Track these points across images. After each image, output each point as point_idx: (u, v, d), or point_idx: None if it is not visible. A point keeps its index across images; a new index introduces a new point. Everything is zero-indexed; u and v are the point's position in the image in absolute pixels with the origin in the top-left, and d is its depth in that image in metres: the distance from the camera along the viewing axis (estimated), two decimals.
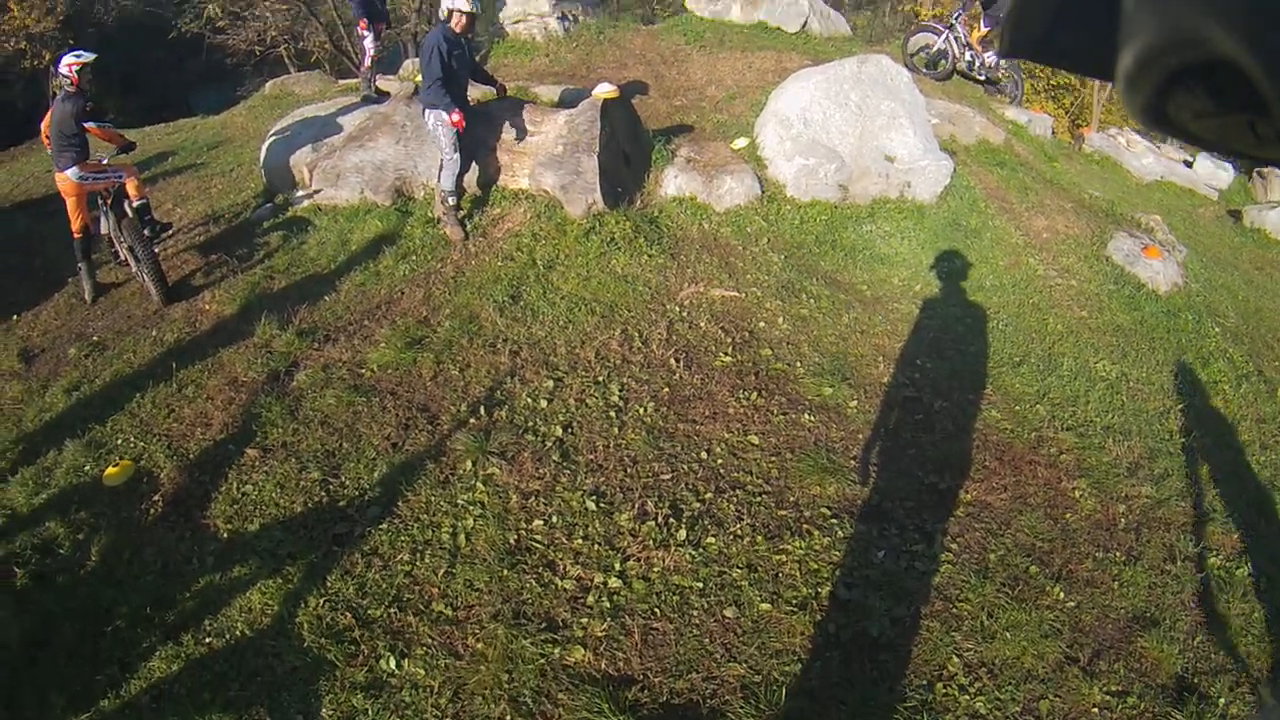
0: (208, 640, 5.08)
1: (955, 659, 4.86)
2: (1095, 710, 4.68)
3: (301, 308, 8.54)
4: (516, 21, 15.35)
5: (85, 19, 31.16)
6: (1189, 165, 19.23)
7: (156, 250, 9.51)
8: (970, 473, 6.46)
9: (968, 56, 15.66)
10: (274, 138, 11.73)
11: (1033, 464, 6.72)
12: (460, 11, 8.99)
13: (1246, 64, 0.46)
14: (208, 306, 8.91)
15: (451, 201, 9.46)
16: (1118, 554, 5.92)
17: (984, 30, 15.54)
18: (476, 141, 9.79)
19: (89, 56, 9.05)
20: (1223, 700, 4.92)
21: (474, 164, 9.88)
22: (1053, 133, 17.19)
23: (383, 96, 12.07)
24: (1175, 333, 9.69)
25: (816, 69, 11.59)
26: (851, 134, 10.90)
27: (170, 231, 10.62)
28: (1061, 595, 5.39)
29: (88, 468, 6.62)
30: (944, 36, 15.52)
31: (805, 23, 16.33)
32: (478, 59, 14.59)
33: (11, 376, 8.31)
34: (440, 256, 9.08)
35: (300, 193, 10.98)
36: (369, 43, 12.77)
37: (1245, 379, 9.13)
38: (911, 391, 7.39)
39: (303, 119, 12.02)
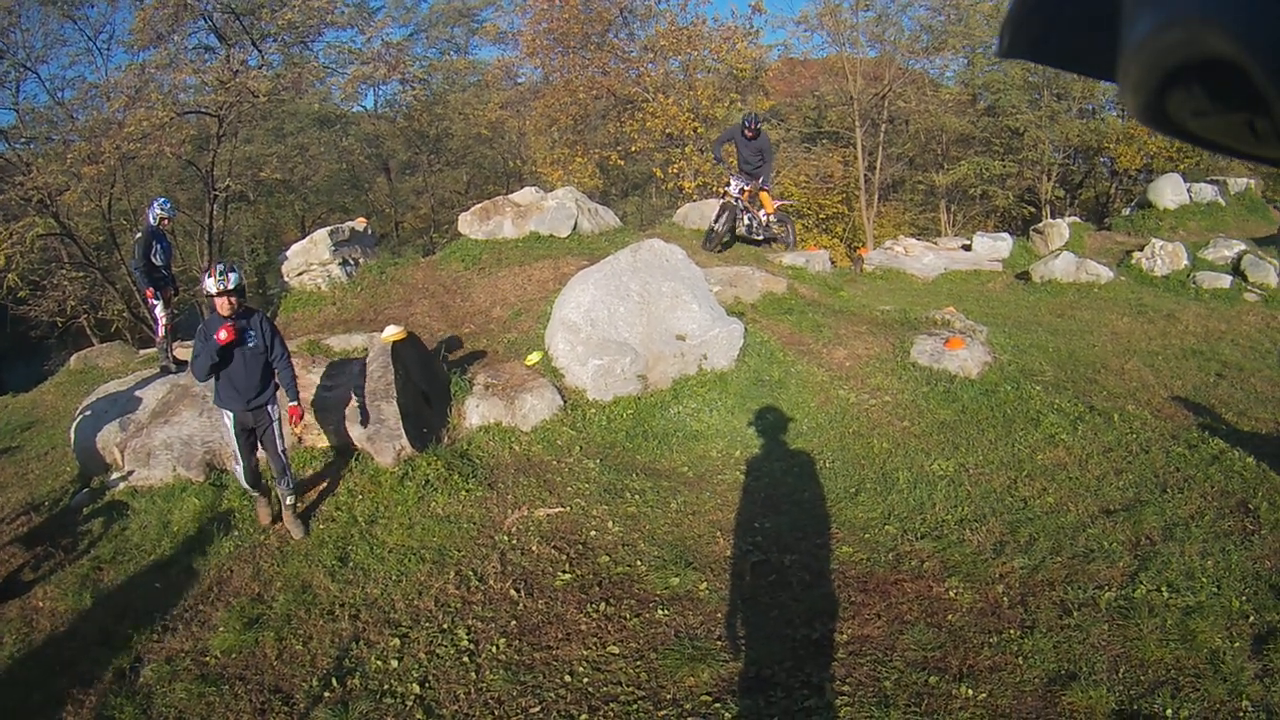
0: None
1: None
2: None
3: (134, 599, 8.10)
4: (300, 273, 15.28)
5: None
6: (968, 249, 20.17)
7: None
8: (839, 613, 6.40)
9: (746, 220, 16.23)
10: (81, 417, 11.52)
11: (899, 582, 6.74)
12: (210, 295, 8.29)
13: (1245, 62, 0.46)
14: (41, 604, 8.39)
15: (254, 493, 9.00)
16: (1012, 631, 5.95)
17: (748, 189, 16.14)
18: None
19: None
20: (1169, 711, 5.04)
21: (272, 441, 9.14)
22: (832, 263, 17.86)
23: (181, 366, 11.95)
24: (999, 408, 10.00)
25: (593, 268, 11.87)
26: (639, 323, 11.08)
27: None
28: (970, 692, 5.34)
29: None
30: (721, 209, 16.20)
31: (575, 224, 16.67)
32: (269, 315, 14.69)
33: None
34: (260, 528, 8.81)
35: (115, 475, 10.66)
36: (159, 312, 12.73)
37: (1080, 420, 9.51)
38: (758, 555, 7.32)
39: (107, 395, 11.90)
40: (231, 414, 8.44)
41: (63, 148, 23.20)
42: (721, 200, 16.38)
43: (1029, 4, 0.67)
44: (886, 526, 7.65)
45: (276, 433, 8.62)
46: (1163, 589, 6.19)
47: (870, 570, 6.96)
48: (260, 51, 24.86)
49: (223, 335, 7.88)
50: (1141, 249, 18.44)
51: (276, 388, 8.63)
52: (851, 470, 8.78)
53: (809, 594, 6.68)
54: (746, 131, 16.23)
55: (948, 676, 5.52)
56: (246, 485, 8.80)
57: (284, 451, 8.69)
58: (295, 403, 8.53)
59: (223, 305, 7.99)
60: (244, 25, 24.18)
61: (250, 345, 8.25)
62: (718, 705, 5.53)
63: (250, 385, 8.39)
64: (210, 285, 7.96)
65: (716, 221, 16.23)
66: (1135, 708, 5.06)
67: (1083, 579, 6.49)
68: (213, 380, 8.46)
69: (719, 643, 6.23)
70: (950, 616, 6.21)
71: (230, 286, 7.97)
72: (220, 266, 8.04)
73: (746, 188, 16.08)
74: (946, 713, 5.17)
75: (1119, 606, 6.07)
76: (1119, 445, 8.88)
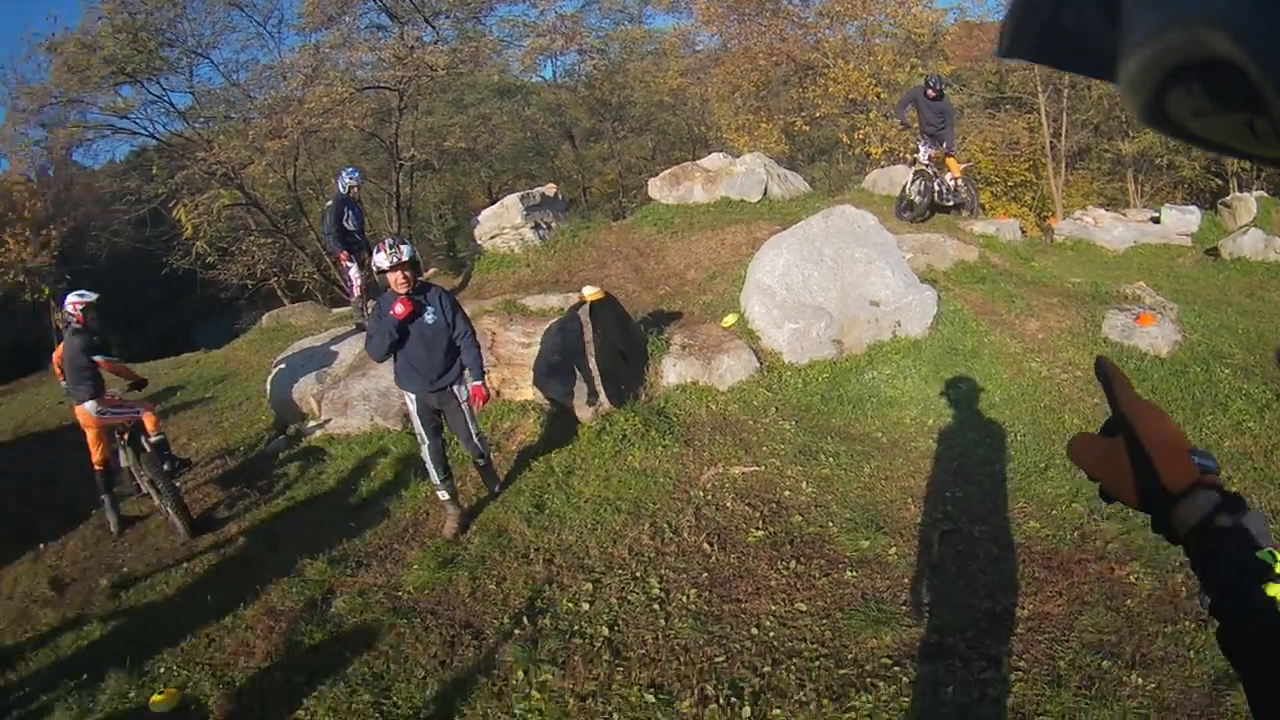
0: None
1: None
2: None
3: (330, 535, 8.60)
4: (493, 236, 15.64)
5: (78, 254, 32.09)
6: (1156, 221, 19.44)
7: (178, 485, 9.72)
8: (1022, 588, 6.36)
9: (935, 185, 15.95)
10: (277, 370, 12.11)
11: (1082, 562, 6.61)
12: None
13: (1244, 63, 0.47)
14: (234, 539, 8.99)
15: (443, 495, 8.38)
16: (1187, 624, 5.78)
17: (935, 153, 15.89)
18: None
19: (91, 297, 9.49)
20: None
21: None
22: (1022, 232, 17.37)
23: None
24: (1188, 389, 9.76)
25: (786, 233, 11.91)
26: (833, 288, 11.11)
27: (191, 468, 10.82)
28: (1140, 681, 5.23)
29: (132, 694, 6.58)
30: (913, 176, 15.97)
31: (765, 189, 16.68)
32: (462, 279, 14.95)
33: (45, 604, 8.42)
34: (459, 475, 8.93)
35: (311, 423, 11.26)
36: (354, 273, 13.29)
37: (1267, 408, 9.13)
38: (947, 524, 7.33)
39: (303, 350, 12.49)
40: (414, 395, 8.15)
41: (243, 125, 23.94)
42: (913, 169, 16.09)
43: (1029, 4, 0.68)
44: (1074, 504, 7.45)
45: (466, 415, 8.27)
46: None
47: (1055, 548, 6.85)
48: (434, 28, 25.07)
49: (399, 309, 7.54)
50: None
51: (463, 368, 8.20)
52: (1042, 445, 8.65)
53: (994, 566, 6.64)
54: (929, 92, 16.02)
55: (1121, 662, 5.43)
56: (433, 470, 8.25)
57: (478, 435, 8.40)
58: (480, 382, 8.15)
59: (396, 280, 7.58)
60: (415, 3, 24.41)
61: (430, 322, 7.86)
62: (897, 669, 5.56)
63: (433, 365, 7.99)
64: (381, 259, 7.59)
65: (913, 191, 16.00)
66: None
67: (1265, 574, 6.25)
68: (392, 361, 8.11)
69: (903, 607, 6.26)
70: (1129, 602, 6.08)
71: (404, 259, 7.55)
72: (390, 240, 7.67)
73: (933, 152, 15.81)
74: (1116, 699, 5.08)
75: None
76: None
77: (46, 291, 28.94)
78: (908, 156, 20.50)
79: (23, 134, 24.33)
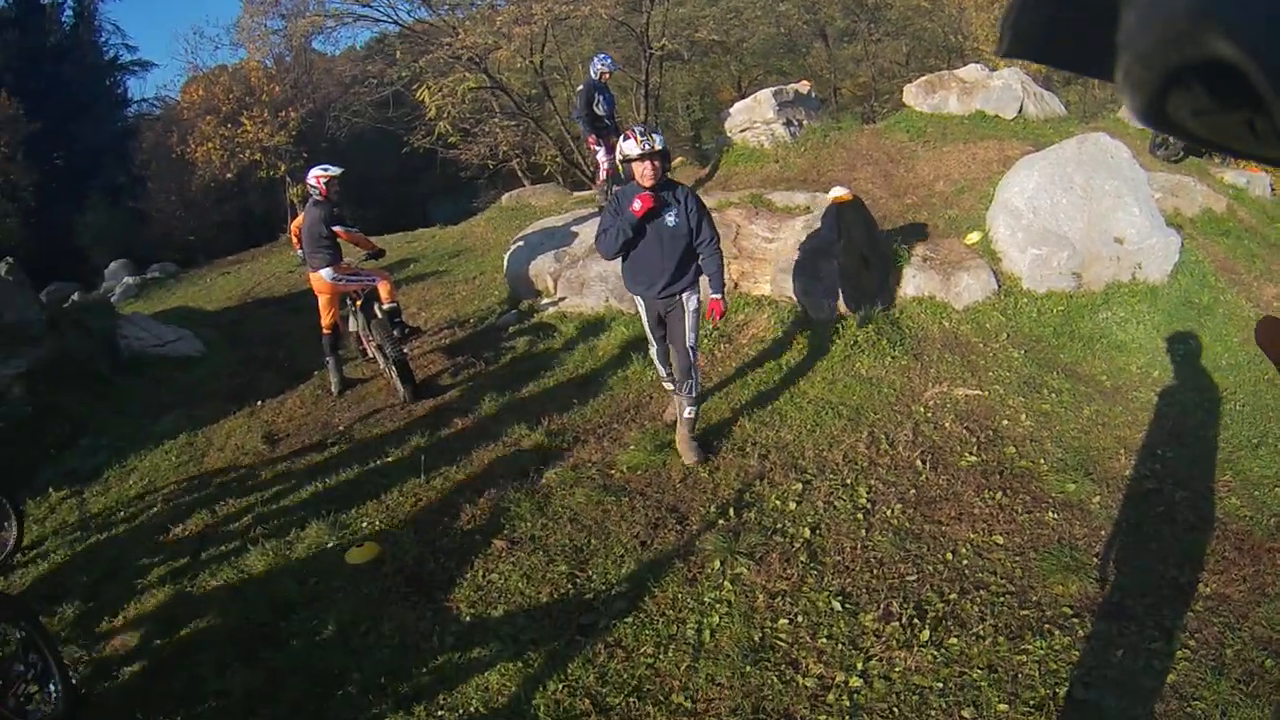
0: (440, 714, 5.21)
1: None
2: None
3: (550, 410, 8.90)
4: (743, 129, 15.77)
5: (317, 134, 33.17)
6: None
7: (406, 351, 10.17)
8: (1209, 565, 6.22)
9: None
10: (515, 247, 12.51)
11: (1272, 552, 6.39)
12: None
13: (1243, 63, 0.48)
14: (455, 404, 9.48)
15: (668, 385, 8.28)
16: None
17: None
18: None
19: (336, 170, 9.90)
20: None
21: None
22: (1272, 190, 16.51)
23: None
24: None
25: (1038, 155, 11.77)
26: (1079, 219, 11.00)
27: (421, 336, 11.37)
28: None
29: (330, 545, 7.01)
30: None
31: (1021, 107, 16.45)
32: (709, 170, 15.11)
33: (256, 457, 9.07)
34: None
35: (545, 300, 11.63)
36: (602, 157, 13.65)
37: None
38: (1153, 483, 7.23)
39: (543, 229, 12.79)
40: (642, 300, 7.65)
41: (490, 10, 23.94)
42: None
43: (1029, 4, 0.69)
44: (1278, 489, 7.20)
45: (689, 325, 7.57)
46: None
47: (1249, 530, 6.62)
48: None
49: (637, 205, 7.01)
50: None
51: (699, 273, 7.63)
52: (1259, 419, 8.42)
53: (1189, 536, 6.52)
54: None
55: None
56: (661, 367, 8.09)
57: (693, 348, 7.66)
58: (719, 295, 7.49)
59: (645, 171, 7.02)
60: None
61: (671, 224, 7.27)
62: (1075, 620, 5.58)
63: (664, 269, 7.40)
64: (631, 147, 7.01)
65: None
66: None
67: None
68: (620, 261, 7.59)
69: (1095, 560, 6.24)
70: None
71: (656, 147, 6.99)
72: (641, 127, 7.14)
73: None
74: (1269, 702, 4.91)
75: None
76: None
77: (283, 169, 30.31)
78: None
79: (260, 24, 25.08)
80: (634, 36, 24.67)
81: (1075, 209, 11.07)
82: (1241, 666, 5.22)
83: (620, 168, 7.27)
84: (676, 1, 26.98)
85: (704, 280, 7.64)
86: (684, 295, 7.55)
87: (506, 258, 12.66)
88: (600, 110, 13.86)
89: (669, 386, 8.22)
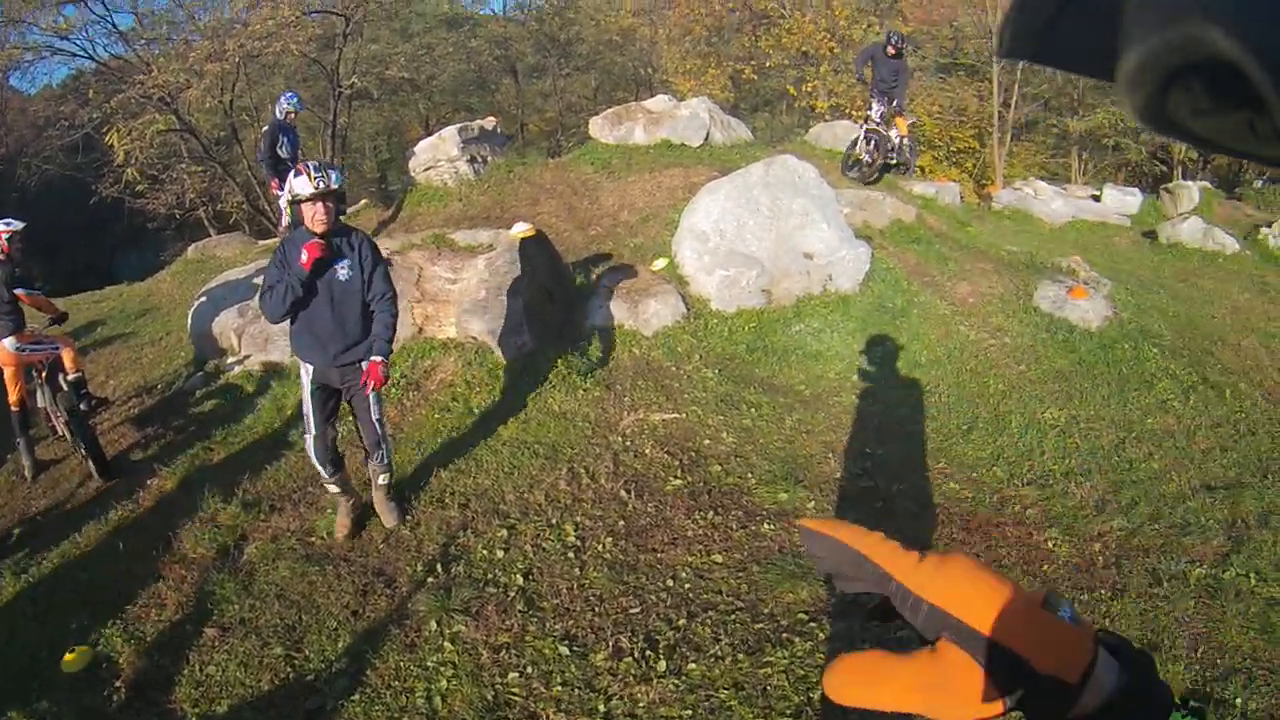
0: None
1: None
2: None
3: (244, 478, 8.35)
4: (427, 168, 15.45)
5: (7, 183, 31.62)
6: (1097, 199, 19.95)
7: (93, 425, 9.44)
8: (940, 548, 6.17)
9: (886, 146, 15.63)
10: (198, 303, 11.85)
11: (1000, 525, 6.74)
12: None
13: (1244, 63, 0.45)
14: (149, 482, 8.72)
15: (333, 488, 7.06)
16: (1103, 591, 5.94)
17: (885, 110, 15.56)
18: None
19: (18, 225, 8.99)
20: (1239, 700, 4.98)
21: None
22: (961, 198, 17.55)
23: None
24: (1115, 364, 9.88)
25: (725, 179, 11.79)
26: (767, 238, 11.06)
27: (109, 407, 10.58)
28: None
29: (44, 654, 6.34)
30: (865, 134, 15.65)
31: (708, 135, 16.62)
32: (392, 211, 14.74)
33: None
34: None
35: (230, 359, 11.01)
36: (284, 202, 12.71)
37: (1192, 390, 9.36)
38: (867, 481, 7.39)
39: (226, 283, 12.24)
40: (310, 368, 6.62)
41: (184, 47, 23.31)
42: (864, 127, 15.70)
43: (1028, 4, 0.65)
44: (994, 468, 7.64)
45: (373, 398, 6.73)
46: (1251, 575, 6.12)
47: (974, 510, 6.97)
48: None
49: (305, 256, 6.10)
50: (1270, 225, 17.95)
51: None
52: (965, 408, 8.78)
53: (913, 525, 6.70)
54: (889, 49, 15.47)
55: None
56: (318, 464, 6.83)
57: (380, 421, 6.84)
58: (381, 358, 6.56)
59: (317, 214, 6.08)
60: None
61: (344, 278, 6.40)
62: (813, 624, 5.54)
63: (338, 333, 6.49)
64: (302, 185, 6.03)
65: (862, 150, 15.63)
66: (1208, 690, 5.07)
67: (1176, 551, 6.46)
68: (289, 323, 6.60)
69: None
70: (1046, 568, 6.25)
71: (331, 186, 6.04)
72: (315, 164, 6.10)
73: (885, 110, 15.42)
74: None
75: (1207, 585, 6.02)
76: (1227, 422, 8.75)
77: None
78: (853, 113, 20.30)
79: None
80: (325, 74, 24.48)
81: (763, 229, 11.12)
82: None
83: (290, 210, 6.49)
84: (370, 38, 27.15)
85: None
86: (364, 362, 6.56)
87: (190, 315, 12.07)
88: (284, 153, 13.40)
89: (334, 489, 7.04)
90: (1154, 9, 0.50)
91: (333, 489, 6.99)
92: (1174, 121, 0.55)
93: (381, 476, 6.99)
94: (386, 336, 6.59)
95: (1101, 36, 0.57)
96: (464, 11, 34.70)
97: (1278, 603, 5.89)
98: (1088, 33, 0.60)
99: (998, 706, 0.88)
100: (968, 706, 0.90)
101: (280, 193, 12.89)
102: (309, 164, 6.08)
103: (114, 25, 23.73)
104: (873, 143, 15.40)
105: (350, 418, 7.04)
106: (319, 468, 6.81)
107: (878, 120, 15.36)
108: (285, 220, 13.15)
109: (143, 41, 23.95)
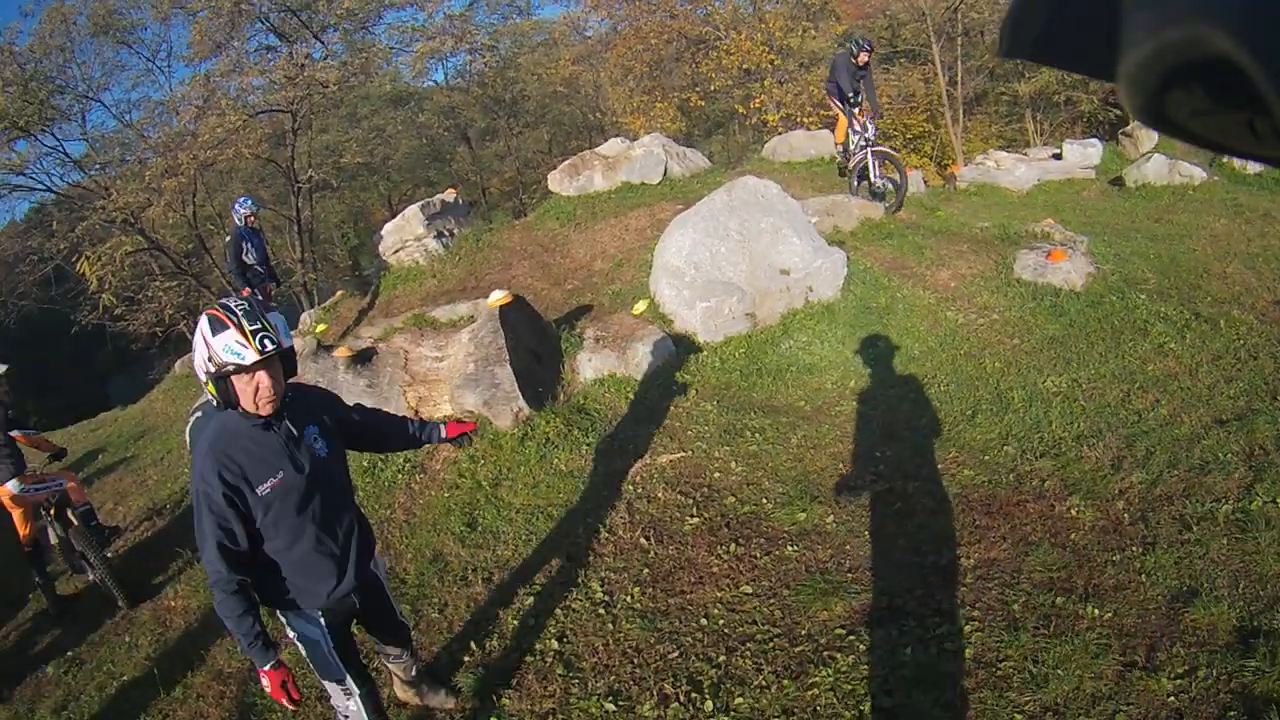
0: None
1: (1018, 717, 4.71)
2: (1171, 699, 4.56)
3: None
4: (396, 250, 15.49)
5: None
6: (1058, 158, 20.06)
7: (109, 555, 9.37)
8: (965, 537, 6.39)
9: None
10: (194, 419, 11.69)
11: (1021, 504, 6.69)
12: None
13: (1244, 62, 0.47)
14: (173, 604, 8.68)
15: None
16: (1134, 549, 5.87)
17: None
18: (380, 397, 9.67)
19: (3, 368, 9.09)
20: None
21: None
22: (925, 183, 17.54)
23: None
24: (1106, 319, 9.85)
25: (690, 211, 11.82)
26: (742, 262, 11.06)
27: (121, 535, 10.57)
28: (1096, 612, 5.28)
29: None
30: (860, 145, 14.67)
31: (665, 169, 16.67)
32: (370, 298, 14.73)
33: None
34: (387, 503, 8.84)
35: None
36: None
37: (1187, 328, 9.32)
38: (881, 484, 7.33)
39: None
40: (321, 618, 4.51)
41: (139, 166, 23.64)
42: (871, 151, 14.34)
43: (1029, 3, 0.68)
44: (1005, 447, 7.59)
45: (388, 594, 5.19)
46: (1278, 500, 6.04)
47: (992, 493, 6.92)
48: (323, 43, 25.03)
49: (267, 487, 4.09)
50: None
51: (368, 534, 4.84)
52: (966, 392, 8.75)
53: (934, 520, 6.67)
54: (861, 56, 14.45)
55: (1074, 597, 5.49)
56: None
57: (400, 613, 5.40)
58: (452, 423, 5.29)
59: (262, 392, 4.02)
60: (302, 20, 24.32)
61: (323, 452, 4.39)
62: (852, 638, 5.52)
63: (345, 535, 4.52)
64: (232, 348, 3.86)
65: (878, 173, 14.26)
66: (1256, 623, 4.93)
67: (1200, 492, 6.35)
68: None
69: (849, 575, 6.21)
70: (1073, 536, 6.16)
71: (283, 344, 3.99)
72: (244, 308, 3.95)
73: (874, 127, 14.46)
74: (1074, 633, 5.13)
75: (1236, 520, 5.91)
76: (1228, 352, 8.70)
77: None
78: (804, 121, 20.23)
79: None
80: (281, 172, 24.71)
81: (736, 254, 11.12)
82: (1034, 615, 5.42)
83: (213, 388, 4.03)
84: (320, 129, 27.42)
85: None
86: (376, 561, 4.96)
87: (187, 431, 11.71)
88: (250, 259, 13.38)
89: None
90: (1154, 9, 0.53)
91: None
92: (1174, 121, 0.57)
93: (414, 669, 5.65)
94: (418, 423, 5.19)
95: (1102, 36, 0.59)
96: (408, 88, 35.12)
97: None
98: (1088, 32, 0.62)
99: None
100: None
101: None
102: (236, 311, 3.89)
103: (66, 154, 24.25)
104: (884, 164, 14.48)
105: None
106: None
107: (872, 137, 14.49)
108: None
109: (97, 166, 24.44)
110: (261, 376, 3.97)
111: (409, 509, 8.74)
